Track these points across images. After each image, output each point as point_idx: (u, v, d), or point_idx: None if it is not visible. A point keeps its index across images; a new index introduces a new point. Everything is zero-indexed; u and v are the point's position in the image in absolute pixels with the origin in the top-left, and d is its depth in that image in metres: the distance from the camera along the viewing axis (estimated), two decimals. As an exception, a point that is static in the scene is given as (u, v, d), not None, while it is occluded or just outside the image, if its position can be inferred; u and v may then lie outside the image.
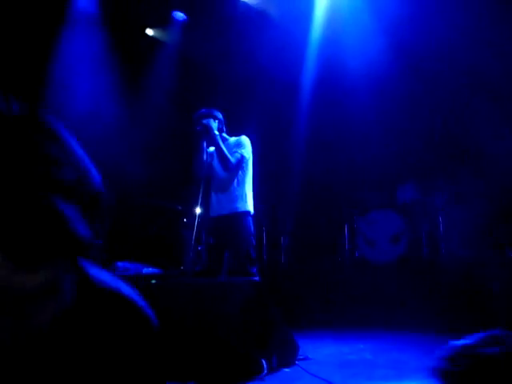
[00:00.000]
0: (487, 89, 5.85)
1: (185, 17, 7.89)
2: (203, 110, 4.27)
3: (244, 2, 7.56)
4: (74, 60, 6.98)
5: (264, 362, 2.80)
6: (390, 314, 4.90)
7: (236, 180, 4.18)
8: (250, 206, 4.19)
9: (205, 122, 4.11)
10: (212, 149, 4.24)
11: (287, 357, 3.08)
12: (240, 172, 4.18)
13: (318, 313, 5.07)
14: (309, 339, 3.77)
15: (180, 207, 7.26)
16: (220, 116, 4.29)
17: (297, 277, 6.20)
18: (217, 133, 4.13)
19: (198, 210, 7.11)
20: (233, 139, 4.28)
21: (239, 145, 4.18)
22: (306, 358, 3.26)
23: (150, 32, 8.04)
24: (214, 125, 4.17)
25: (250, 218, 4.18)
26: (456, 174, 5.98)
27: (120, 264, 6.94)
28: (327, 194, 7.08)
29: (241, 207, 4.14)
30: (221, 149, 4.06)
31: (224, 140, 4.21)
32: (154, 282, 3.43)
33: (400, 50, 6.24)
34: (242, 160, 4.13)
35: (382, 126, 6.61)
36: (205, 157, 4.19)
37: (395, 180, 6.51)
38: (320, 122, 7.04)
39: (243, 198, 4.18)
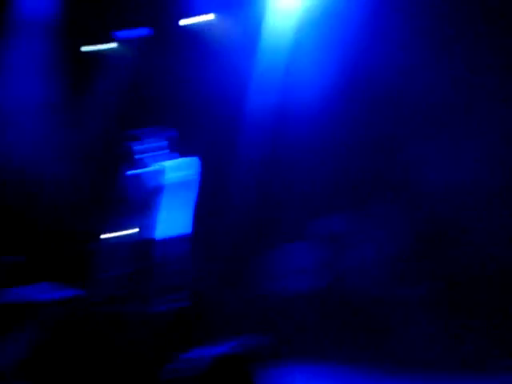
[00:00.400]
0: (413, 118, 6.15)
1: (128, 34, 7.83)
2: (134, 131, 4.24)
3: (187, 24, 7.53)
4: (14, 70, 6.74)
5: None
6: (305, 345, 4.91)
7: (162, 204, 4.15)
8: (177, 229, 4.16)
9: (131, 144, 4.08)
10: (140, 170, 4.20)
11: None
12: (168, 196, 4.16)
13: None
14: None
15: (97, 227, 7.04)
16: (153, 137, 4.27)
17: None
18: (145, 155, 4.11)
19: (114, 233, 6.94)
20: (177, 160, 4.26)
21: (169, 168, 4.17)
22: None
23: (89, 48, 7.91)
24: (143, 147, 4.14)
25: (177, 243, 4.15)
26: (375, 206, 6.21)
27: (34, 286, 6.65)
28: (241, 223, 7.04)
29: (167, 231, 4.11)
30: (147, 173, 4.04)
31: (152, 162, 4.18)
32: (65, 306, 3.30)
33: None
34: (171, 183, 4.12)
35: (311, 153, 6.70)
36: (132, 179, 4.15)
37: (312, 212, 6.58)
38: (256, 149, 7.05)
39: (170, 221, 4.15)
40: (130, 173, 4.17)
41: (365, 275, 5.93)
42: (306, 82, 6.66)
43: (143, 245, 4.19)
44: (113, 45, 7.64)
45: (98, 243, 6.25)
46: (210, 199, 7.03)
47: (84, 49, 7.80)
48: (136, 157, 4.11)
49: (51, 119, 6.89)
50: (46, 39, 6.95)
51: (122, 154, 4.11)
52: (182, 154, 4.35)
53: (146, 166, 4.11)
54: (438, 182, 5.93)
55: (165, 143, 4.30)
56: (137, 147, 4.14)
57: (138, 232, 4.25)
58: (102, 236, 6.04)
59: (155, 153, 4.22)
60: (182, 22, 7.56)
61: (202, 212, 6.92)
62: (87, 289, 6.59)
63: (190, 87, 7.32)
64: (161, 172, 4.12)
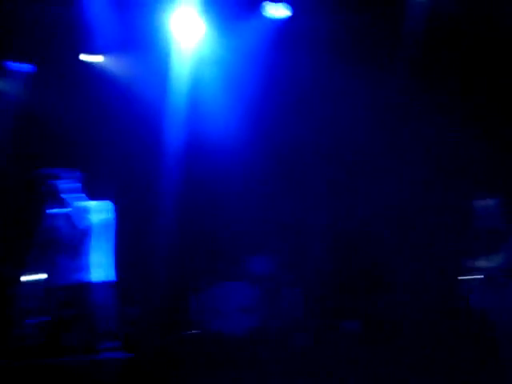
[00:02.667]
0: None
1: (27, 68, 7.42)
2: (51, 169, 3.92)
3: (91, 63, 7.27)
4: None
5: None
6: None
7: (86, 246, 3.82)
8: (103, 274, 3.84)
9: (51, 182, 3.77)
10: (56, 210, 3.85)
11: None
12: (91, 238, 3.83)
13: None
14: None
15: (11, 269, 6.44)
16: (69, 176, 3.95)
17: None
18: (65, 195, 3.79)
19: (32, 277, 6.35)
20: (83, 202, 3.93)
21: (89, 209, 3.85)
22: None
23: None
24: (62, 186, 3.82)
25: (103, 288, 3.83)
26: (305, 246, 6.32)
27: None
28: (175, 263, 6.85)
29: (92, 275, 3.79)
30: (69, 213, 3.73)
31: (72, 202, 3.85)
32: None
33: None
34: (92, 225, 3.82)
35: (241, 192, 6.73)
36: (49, 219, 3.80)
37: (247, 251, 6.57)
38: (175, 187, 6.91)
39: (94, 266, 3.82)
40: (50, 213, 3.82)
41: (295, 315, 6.00)
42: (213, 118, 6.73)
43: (66, 290, 3.81)
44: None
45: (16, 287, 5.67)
46: (134, 241, 6.75)
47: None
48: (54, 197, 3.80)
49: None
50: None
51: (40, 194, 3.77)
52: (96, 196, 4.07)
53: (64, 207, 3.80)
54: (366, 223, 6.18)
55: (76, 184, 4.00)
56: (53, 187, 3.82)
57: (59, 276, 3.87)
58: (21, 279, 5.50)
59: (69, 194, 3.91)
60: (84, 58, 7.35)
61: (128, 255, 6.61)
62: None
63: (96, 125, 7.09)
64: (81, 213, 3.82)
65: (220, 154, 6.69)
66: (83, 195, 4.00)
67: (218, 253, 6.65)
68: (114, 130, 6.88)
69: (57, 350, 3.73)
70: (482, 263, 3.87)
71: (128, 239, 6.62)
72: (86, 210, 3.86)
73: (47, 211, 3.81)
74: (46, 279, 4.20)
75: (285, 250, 6.55)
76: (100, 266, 3.84)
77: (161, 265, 6.69)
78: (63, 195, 3.82)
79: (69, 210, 3.78)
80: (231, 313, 6.09)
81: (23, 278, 6.19)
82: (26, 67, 7.29)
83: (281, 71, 6.43)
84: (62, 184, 3.87)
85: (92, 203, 3.94)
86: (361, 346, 5.24)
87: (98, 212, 3.89)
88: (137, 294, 6.82)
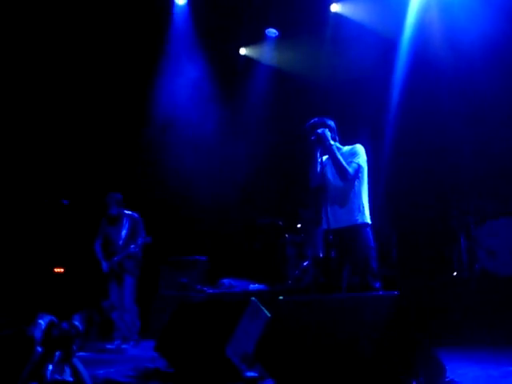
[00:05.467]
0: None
1: (277, 33, 7.92)
2: (316, 119, 4.13)
3: (335, 13, 7.49)
4: (177, 86, 7.22)
5: (414, 383, 2.57)
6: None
7: (353, 191, 3.97)
8: (367, 217, 3.96)
9: (319, 131, 3.96)
10: (325, 158, 4.06)
11: (434, 379, 2.81)
12: (356, 182, 3.97)
13: (451, 329, 4.70)
14: (451, 359, 3.46)
15: (281, 222, 7.18)
16: (333, 125, 4.14)
17: (411, 292, 5.82)
18: (332, 142, 3.98)
19: (299, 225, 7.00)
20: (346, 148, 4.10)
21: (354, 154, 3.99)
22: (452, 381, 2.97)
23: (244, 51, 8.14)
24: (329, 134, 4.01)
25: (368, 230, 3.95)
26: None
27: (225, 281, 6.99)
28: (438, 203, 6.68)
29: (360, 219, 3.92)
30: (338, 159, 3.90)
31: (338, 149, 4.04)
32: (281, 298, 3.31)
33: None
34: (358, 170, 3.94)
35: (492, 122, 6.17)
36: (319, 167, 4.04)
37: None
38: (425, 125, 6.68)
39: (361, 209, 3.95)
40: (321, 161, 4.01)
41: None
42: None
43: (335, 234, 3.97)
44: None
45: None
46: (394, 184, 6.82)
47: (242, 51, 8.13)
48: (326, 144, 3.95)
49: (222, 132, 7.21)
50: None
51: (310, 143, 4.00)
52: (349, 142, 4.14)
53: (332, 154, 3.95)
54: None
55: (335, 133, 4.13)
56: (322, 135, 3.97)
57: (330, 220, 4.06)
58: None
59: (334, 141, 4.04)
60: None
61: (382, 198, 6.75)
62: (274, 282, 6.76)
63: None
64: (347, 159, 3.96)
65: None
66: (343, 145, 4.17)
67: (485, 188, 6.24)
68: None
69: (329, 290, 4.05)
70: None
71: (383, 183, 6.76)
72: (350, 155, 4.00)
73: (317, 159, 3.97)
74: (318, 229, 4.56)
75: None
76: (363, 209, 3.94)
77: (421, 205, 6.62)
78: (332, 143, 3.93)
79: (338, 157, 3.89)
80: (504, 252, 5.66)
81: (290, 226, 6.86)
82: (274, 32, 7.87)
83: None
84: (330, 132, 3.99)
85: (354, 147, 4.01)
86: None
87: (361, 156, 3.99)
88: (397, 237, 6.90)
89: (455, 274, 6.25)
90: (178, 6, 7.37)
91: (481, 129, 6.37)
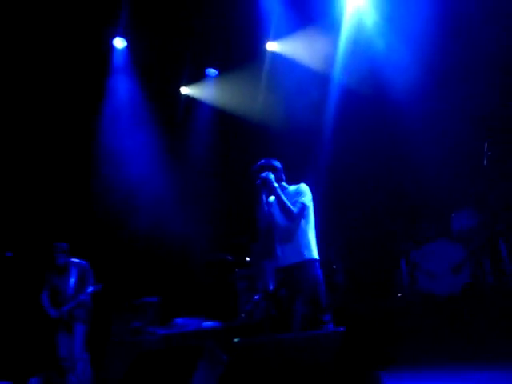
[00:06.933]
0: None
1: (217, 72, 8.14)
2: (261, 161, 4.28)
3: (272, 52, 7.80)
4: (115, 124, 7.24)
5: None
6: (466, 348, 4.73)
7: (299, 229, 4.13)
8: (315, 253, 4.13)
9: (263, 175, 4.12)
10: (272, 198, 4.23)
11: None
12: (302, 221, 4.13)
13: (393, 352, 4.92)
14: (399, 380, 3.65)
15: (230, 257, 7.27)
16: (278, 165, 4.30)
17: (359, 317, 6.06)
18: (276, 185, 4.14)
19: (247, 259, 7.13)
20: (292, 187, 4.27)
21: (299, 193, 4.16)
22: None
23: (185, 90, 8.29)
24: (272, 176, 4.17)
25: (317, 265, 4.12)
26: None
27: (178, 320, 6.97)
28: (379, 230, 7.01)
29: (307, 255, 4.08)
30: (282, 200, 4.06)
31: (283, 189, 4.22)
32: (236, 340, 3.40)
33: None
34: (303, 208, 4.11)
35: (427, 153, 6.59)
36: (266, 208, 4.20)
37: (448, 209, 6.42)
38: (365, 157, 7.05)
39: (308, 245, 4.12)
40: (267, 202, 4.19)
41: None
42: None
43: (285, 271, 4.14)
44: None
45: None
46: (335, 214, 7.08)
47: (183, 90, 8.27)
48: (271, 187, 4.10)
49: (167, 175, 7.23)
50: None
51: (256, 186, 4.17)
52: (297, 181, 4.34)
53: (276, 195, 4.12)
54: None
55: (281, 173, 4.32)
56: (266, 178, 4.12)
57: (278, 259, 4.22)
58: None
59: (277, 182, 4.20)
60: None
61: (329, 229, 6.98)
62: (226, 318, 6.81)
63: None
64: (293, 198, 4.15)
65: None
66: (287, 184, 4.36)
67: (422, 212, 6.61)
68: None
69: (281, 326, 4.17)
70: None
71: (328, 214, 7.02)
72: (296, 194, 4.17)
73: (263, 202, 4.12)
74: (267, 262, 4.70)
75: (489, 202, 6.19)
76: (310, 245, 4.12)
77: (364, 233, 6.92)
78: (276, 186, 4.09)
79: (282, 198, 4.05)
80: (442, 273, 6.01)
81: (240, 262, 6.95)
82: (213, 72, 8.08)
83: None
84: (275, 174, 4.16)
85: (300, 187, 4.20)
86: None
87: (306, 195, 4.17)
88: (343, 264, 7.16)
89: (399, 295, 6.58)
90: (117, 50, 7.47)
91: (413, 160, 6.78)
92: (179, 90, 8.24)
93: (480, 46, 6.09)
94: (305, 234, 4.14)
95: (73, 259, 5.74)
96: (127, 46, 7.54)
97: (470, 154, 6.31)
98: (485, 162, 6.15)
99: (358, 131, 7.17)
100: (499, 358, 4.22)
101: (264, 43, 7.85)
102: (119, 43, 7.48)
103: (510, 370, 3.90)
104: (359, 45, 7.23)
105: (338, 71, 7.53)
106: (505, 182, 5.99)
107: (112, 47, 7.46)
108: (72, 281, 5.65)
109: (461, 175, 6.34)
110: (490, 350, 4.53)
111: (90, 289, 5.59)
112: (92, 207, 7.27)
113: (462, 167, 6.34)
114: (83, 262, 5.78)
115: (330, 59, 7.49)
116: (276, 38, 7.76)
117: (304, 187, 4.22)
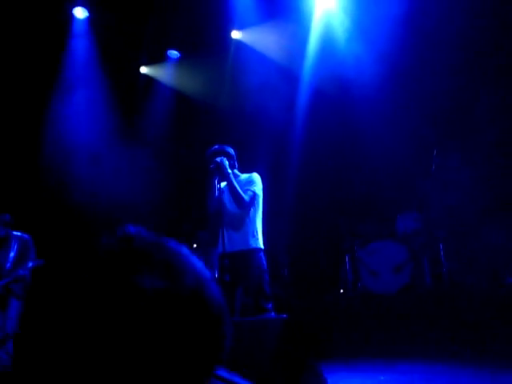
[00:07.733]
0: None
1: (179, 54, 8.02)
2: (216, 146, 4.28)
3: (236, 40, 7.76)
4: (73, 102, 7.01)
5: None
6: (400, 344, 4.91)
7: (248, 217, 4.17)
8: (261, 242, 4.17)
9: (218, 160, 4.12)
10: (223, 184, 4.22)
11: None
12: (252, 209, 4.17)
13: (331, 345, 5.04)
14: (335, 371, 3.76)
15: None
16: (232, 152, 4.31)
17: (301, 310, 6.17)
18: (229, 171, 4.15)
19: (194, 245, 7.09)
20: (244, 176, 4.29)
21: (251, 182, 4.19)
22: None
23: (144, 70, 8.13)
24: (227, 162, 4.17)
25: (262, 254, 4.16)
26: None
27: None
28: (327, 226, 7.14)
29: (253, 244, 4.12)
30: (234, 187, 4.07)
31: (236, 176, 4.22)
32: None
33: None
34: (254, 197, 4.14)
35: (380, 154, 6.75)
36: (216, 194, 4.19)
37: (394, 210, 6.61)
38: (319, 154, 7.14)
39: (255, 234, 4.16)
40: (219, 187, 4.15)
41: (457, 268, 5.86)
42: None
43: (229, 257, 4.11)
44: None
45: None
46: (284, 208, 7.14)
47: (142, 70, 8.11)
48: (224, 172, 4.08)
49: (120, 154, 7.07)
50: None
51: (209, 171, 4.14)
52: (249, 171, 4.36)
53: (229, 181, 4.12)
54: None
55: (234, 160, 4.32)
56: (220, 163, 4.10)
57: (224, 245, 4.22)
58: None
59: (231, 169, 4.20)
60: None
61: (277, 222, 7.04)
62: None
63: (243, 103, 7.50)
64: (243, 186, 4.15)
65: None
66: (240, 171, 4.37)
67: (370, 211, 6.77)
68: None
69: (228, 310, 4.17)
70: None
71: (277, 206, 7.08)
72: (247, 183, 4.19)
73: (215, 186, 4.08)
74: (215, 249, 4.68)
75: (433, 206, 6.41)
76: (257, 235, 4.15)
77: (312, 228, 7.02)
78: (229, 172, 4.08)
79: (234, 184, 4.06)
80: (384, 272, 6.20)
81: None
82: (175, 54, 7.96)
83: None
84: (229, 160, 4.16)
85: (251, 176, 4.22)
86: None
87: (258, 184, 4.21)
88: (288, 258, 7.26)
89: (341, 291, 6.74)
90: (77, 20, 7.22)
91: (366, 159, 6.94)
92: (139, 69, 8.07)
93: (440, 46, 6.27)
94: (253, 222, 4.17)
95: (14, 232, 5.54)
96: (88, 17, 7.30)
97: (420, 158, 6.51)
98: (433, 168, 6.38)
99: (316, 128, 7.26)
100: (431, 354, 4.40)
101: (230, 31, 7.80)
102: (80, 13, 7.23)
103: (439, 363, 4.08)
104: (327, 44, 7.29)
105: (304, 68, 7.56)
106: (448, 190, 6.21)
107: (72, 16, 7.20)
108: (12, 254, 5.45)
109: (410, 178, 6.52)
110: (423, 345, 4.71)
111: (30, 264, 5.41)
112: (40, 180, 7.04)
113: (411, 170, 6.53)
114: (26, 235, 5.59)
115: (296, 55, 7.50)
116: (243, 27, 7.72)
117: (256, 176, 4.25)
